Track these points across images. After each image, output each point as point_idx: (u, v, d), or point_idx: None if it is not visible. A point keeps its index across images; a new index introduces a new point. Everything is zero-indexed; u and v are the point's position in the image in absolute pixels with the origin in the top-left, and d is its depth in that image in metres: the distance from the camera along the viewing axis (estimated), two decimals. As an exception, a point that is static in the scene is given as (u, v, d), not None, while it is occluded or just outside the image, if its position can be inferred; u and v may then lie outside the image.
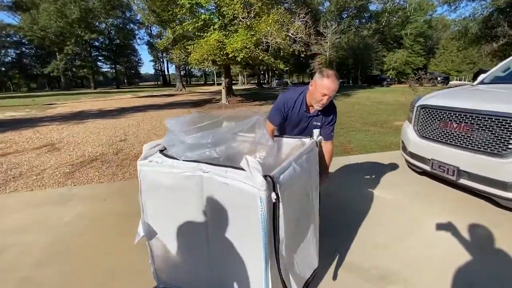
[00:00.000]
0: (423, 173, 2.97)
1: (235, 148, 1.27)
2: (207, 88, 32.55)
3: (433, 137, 2.56)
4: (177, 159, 1.20)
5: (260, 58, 9.39)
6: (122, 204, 2.59)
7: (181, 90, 27.63)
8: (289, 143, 1.65)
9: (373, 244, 1.92)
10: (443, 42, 39.10)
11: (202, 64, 9.93)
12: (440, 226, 2.09)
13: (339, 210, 2.42)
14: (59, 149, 4.96)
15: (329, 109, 1.79)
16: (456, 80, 33.80)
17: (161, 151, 1.32)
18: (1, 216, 2.42)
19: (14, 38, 39.91)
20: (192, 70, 60.04)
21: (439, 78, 25.38)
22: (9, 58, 43.15)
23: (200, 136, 1.19)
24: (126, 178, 3.38)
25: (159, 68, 58.25)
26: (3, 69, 42.59)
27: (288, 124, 1.86)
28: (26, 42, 39.22)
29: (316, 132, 1.69)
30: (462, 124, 2.26)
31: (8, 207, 2.64)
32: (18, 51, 42.45)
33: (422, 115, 2.71)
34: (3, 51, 41.02)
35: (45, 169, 3.82)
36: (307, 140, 1.58)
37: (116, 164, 3.98)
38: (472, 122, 2.19)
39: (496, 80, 3.03)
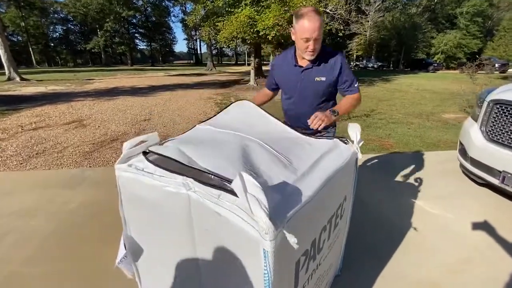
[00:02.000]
0: (485, 184, 2.40)
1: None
2: (237, 68, 32.06)
3: (509, 143, 1.98)
4: (162, 167, 0.89)
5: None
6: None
7: (211, 69, 27.48)
8: (317, 146, 1.20)
9: (416, 280, 1.51)
10: (504, 23, 33.95)
11: (231, 42, 9.46)
12: (506, 259, 1.60)
13: (372, 226, 2.00)
14: (86, 126, 5.00)
15: (329, 56, 1.43)
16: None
17: (145, 153, 1.01)
18: (10, 196, 2.37)
19: (61, 15, 42.25)
20: (223, 49, 59.59)
21: (496, 65, 22.23)
22: (57, 34, 46.04)
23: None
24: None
25: (192, 47, 58.57)
26: (52, 44, 45.59)
27: (285, 87, 1.58)
28: (71, 19, 41.35)
29: (354, 134, 1.23)
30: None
31: (21, 186, 2.59)
32: (64, 27, 45.04)
33: (496, 113, 2.11)
34: (51, 27, 43.76)
35: (68, 147, 3.81)
36: (343, 146, 1.17)
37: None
38: None
39: None
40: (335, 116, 1.37)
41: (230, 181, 0.77)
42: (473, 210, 2.14)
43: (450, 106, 7.18)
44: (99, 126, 4.97)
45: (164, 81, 14.56)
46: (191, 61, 62.04)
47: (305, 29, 1.27)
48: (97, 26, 37.86)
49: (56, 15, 41.91)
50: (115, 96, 8.84)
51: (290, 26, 9.20)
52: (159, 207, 0.91)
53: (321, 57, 1.41)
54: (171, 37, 54.71)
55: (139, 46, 50.59)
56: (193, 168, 0.86)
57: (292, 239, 0.66)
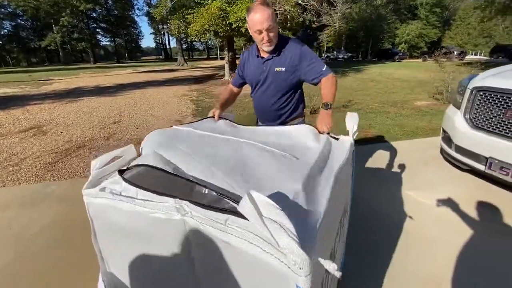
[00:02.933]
0: (467, 170, 2.45)
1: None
2: (210, 63, 31.27)
3: (494, 129, 2.01)
4: (145, 189, 0.70)
5: (266, 29, 8.52)
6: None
7: (182, 65, 26.51)
8: (315, 142, 1.09)
9: (424, 274, 1.46)
10: (460, 13, 36.42)
11: (203, 36, 9.06)
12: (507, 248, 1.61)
13: (365, 219, 1.94)
14: (46, 133, 4.50)
15: (288, 46, 1.45)
16: (472, 55, 31.87)
17: (121, 172, 0.81)
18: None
19: (8, 9, 38.13)
20: (194, 43, 57.86)
21: (455, 52, 23.80)
22: (5, 30, 41.57)
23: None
24: (114, 171, 2.93)
25: (160, 42, 56.17)
26: (0, 42, 41.21)
27: (251, 80, 1.59)
28: (21, 14, 37.50)
29: (351, 124, 1.21)
30: (545, 115, 1.69)
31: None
32: (13, 23, 40.75)
33: (479, 100, 2.13)
34: (-3, 23, 39.43)
35: (25, 158, 3.37)
36: (342, 138, 1.15)
37: (105, 152, 3.50)
38: (563, 112, 1.63)
39: None
40: (329, 109, 1.34)
41: (234, 200, 0.61)
42: (462, 196, 2.16)
43: (420, 93, 7.48)
44: (61, 132, 4.50)
45: (132, 79, 13.74)
46: (160, 57, 59.63)
47: (255, 22, 1.31)
48: (51, 21, 34.72)
49: (2, 9, 37.78)
50: (78, 97, 8.14)
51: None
52: (145, 237, 0.73)
53: (280, 48, 1.44)
54: (137, 31, 51.98)
55: (101, 42, 47.33)
56: (187, 180, 0.69)
57: (330, 266, 0.52)
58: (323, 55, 34.54)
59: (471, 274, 1.46)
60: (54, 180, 2.74)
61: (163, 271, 0.75)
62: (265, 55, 1.48)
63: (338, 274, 0.51)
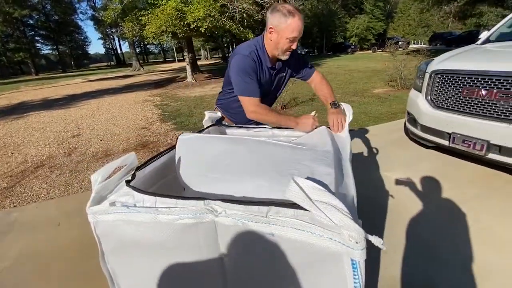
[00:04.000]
0: (433, 147, 2.70)
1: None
2: (167, 66, 30.14)
3: (453, 107, 2.23)
4: (160, 195, 0.65)
5: (227, 27, 8.43)
6: (83, 228, 1.95)
7: (138, 69, 25.22)
8: (321, 136, 1.17)
9: (415, 250, 1.57)
10: (401, 6, 39.80)
11: (161, 37, 8.70)
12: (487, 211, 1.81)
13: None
14: (-7, 155, 3.97)
15: (293, 53, 1.40)
16: (414, 44, 35.06)
17: (128, 182, 0.74)
18: None
19: None
20: (148, 46, 55.31)
21: (400, 43, 26.02)
22: None
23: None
24: (84, 188, 2.69)
25: (110, 47, 52.68)
26: None
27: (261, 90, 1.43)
28: None
29: (348, 114, 1.31)
30: (495, 91, 1.92)
31: None
32: None
33: (438, 82, 2.34)
34: None
35: (-27, 186, 2.94)
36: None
37: (69, 169, 3.21)
38: (509, 87, 1.86)
39: (506, 38, 2.74)
40: (339, 107, 1.40)
41: (265, 202, 0.60)
42: (433, 170, 2.38)
43: (376, 82, 8.04)
44: (12, 153, 4.01)
45: (84, 88, 12.72)
46: (112, 63, 55.98)
47: (296, 28, 1.20)
48: (-20, 30, 30.67)
49: None
50: (24, 113, 7.31)
51: (222, 16, 8.96)
52: (169, 247, 0.68)
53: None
54: (82, 37, 48.15)
55: (42, 51, 42.98)
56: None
57: (377, 240, 0.54)
58: (281, 51, 35.30)
59: (452, 236, 1.61)
60: (15, 206, 2.43)
61: (190, 280, 0.70)
62: (277, 65, 1.42)
63: (384, 247, 0.54)
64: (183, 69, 12.54)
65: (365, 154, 2.93)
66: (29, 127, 5.63)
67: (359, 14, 36.19)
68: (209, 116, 1.44)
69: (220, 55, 36.15)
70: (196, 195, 0.81)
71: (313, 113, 1.36)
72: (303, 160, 0.81)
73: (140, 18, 8.32)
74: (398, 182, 2.28)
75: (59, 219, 2.11)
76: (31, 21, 36.16)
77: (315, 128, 1.28)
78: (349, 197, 0.68)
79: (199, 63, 17.21)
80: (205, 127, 1.34)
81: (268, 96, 1.53)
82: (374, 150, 2.96)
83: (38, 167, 3.36)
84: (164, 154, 0.95)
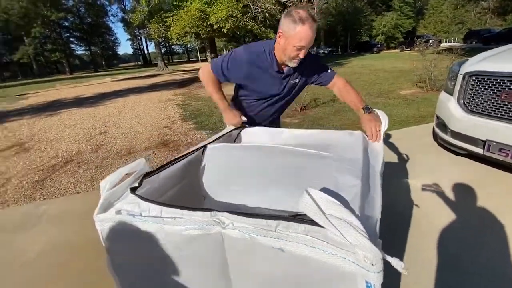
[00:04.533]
0: (464, 155, 2.51)
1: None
2: (191, 66, 30.83)
3: (489, 112, 2.05)
4: (165, 205, 0.64)
5: (248, 27, 8.45)
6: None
7: (163, 69, 26.04)
8: (351, 142, 1.10)
9: (441, 262, 1.46)
10: (432, 2, 37.74)
11: (184, 38, 8.91)
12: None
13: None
14: (29, 150, 4.26)
15: (306, 59, 1.29)
16: (446, 42, 33.08)
17: (133, 190, 0.74)
18: None
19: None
20: (173, 47, 56.94)
21: (430, 41, 24.67)
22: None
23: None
24: (108, 185, 2.80)
25: (138, 47, 55.02)
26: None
27: (261, 91, 1.43)
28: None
29: (383, 123, 1.23)
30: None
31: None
32: (-19, 38, 38.72)
33: (473, 85, 2.17)
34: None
35: (10, 178, 3.17)
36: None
37: (95, 165, 3.36)
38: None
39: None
40: (372, 111, 1.32)
41: (277, 216, 0.57)
42: (462, 180, 2.21)
43: (403, 82, 7.67)
44: (45, 148, 4.28)
45: (113, 87, 13.33)
46: (139, 63, 58.35)
47: (302, 38, 1.14)
48: (23, 33, 33.19)
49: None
50: (58, 110, 7.80)
51: (244, 17, 9.00)
52: (175, 257, 0.67)
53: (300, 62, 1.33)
54: (113, 38, 50.69)
55: (76, 52, 45.85)
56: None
57: (398, 263, 0.49)
58: (304, 51, 34.89)
59: (481, 252, 1.48)
60: (45, 199, 2.58)
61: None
62: (285, 70, 1.37)
63: (405, 272, 0.49)
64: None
65: (389, 159, 2.78)
66: (62, 123, 5.99)
67: (386, 12, 34.81)
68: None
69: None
70: (215, 204, 0.80)
71: (243, 118, 1.37)
72: (329, 170, 0.77)
73: (165, 19, 8.58)
74: (424, 190, 2.15)
75: (83, 212, 2.20)
76: (66, 24, 38.65)
77: (239, 127, 1.30)
78: (373, 213, 0.63)
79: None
80: (229, 129, 1.33)
81: (278, 102, 1.49)
82: (399, 156, 2.81)
83: (67, 162, 3.56)
84: (180, 161, 0.95)
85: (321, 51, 29.62)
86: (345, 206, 0.51)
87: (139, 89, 11.59)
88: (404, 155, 2.78)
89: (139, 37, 48.39)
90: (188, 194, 0.92)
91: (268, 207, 0.71)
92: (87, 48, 44.71)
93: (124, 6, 41.32)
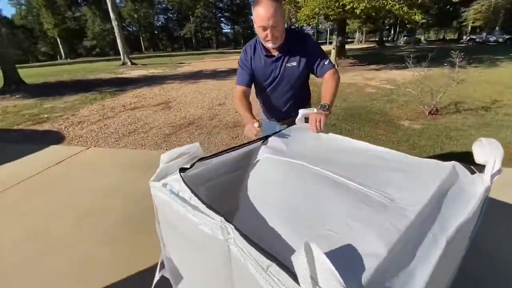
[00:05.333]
0: None
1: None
2: (319, 48, 30.15)
3: None
4: (198, 197, 0.70)
5: (387, 8, 7.33)
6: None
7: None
8: (426, 175, 0.78)
9: None
10: None
11: (312, 20, 8.72)
12: None
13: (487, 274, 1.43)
14: (170, 108, 5.49)
15: (297, 40, 1.38)
16: None
17: (182, 170, 0.84)
18: (99, 173, 2.71)
19: (163, 5, 48.18)
20: (304, 28, 57.01)
21: None
22: (160, 22, 52.93)
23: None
24: (209, 150, 3.28)
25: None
26: (156, 32, 52.77)
27: (261, 79, 1.48)
28: (170, 8, 46.63)
29: (492, 158, 0.73)
30: None
31: (109, 164, 2.96)
32: (165, 16, 51.30)
33: None
34: (155, 17, 50.45)
35: (153, 128, 4.22)
36: (469, 176, 0.77)
37: (207, 131, 3.98)
38: None
39: None
40: (326, 110, 1.28)
41: (280, 263, 0.50)
42: None
43: None
44: (180, 109, 5.38)
45: (243, 64, 14.89)
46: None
47: (260, 17, 1.21)
48: (189, 13, 41.52)
49: (159, 6, 47.93)
50: (198, 79, 9.50)
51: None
52: (193, 243, 0.74)
53: (289, 43, 1.37)
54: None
55: (224, 30, 53.47)
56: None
57: None
58: (464, 37, 27.48)
59: None
60: (166, 150, 3.32)
61: (207, 278, 0.75)
62: (275, 53, 1.40)
63: None
64: (329, 52, 12.22)
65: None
66: (197, 91, 7.30)
67: None
68: (302, 113, 1.35)
69: (377, 39, 32.01)
70: (246, 209, 0.81)
71: (255, 124, 1.17)
72: (362, 218, 0.61)
73: (297, 0, 8.60)
74: None
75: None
76: (220, 5, 45.19)
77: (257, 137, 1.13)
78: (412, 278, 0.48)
79: (350, 46, 16.18)
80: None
81: (280, 85, 1.48)
82: None
83: (190, 124, 4.37)
84: (235, 150, 1.00)
85: (491, 39, 22.44)
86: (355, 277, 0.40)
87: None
88: None
89: (276, 17, 51.12)
90: (232, 188, 0.96)
91: (284, 238, 0.63)
92: (232, 27, 51.25)
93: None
